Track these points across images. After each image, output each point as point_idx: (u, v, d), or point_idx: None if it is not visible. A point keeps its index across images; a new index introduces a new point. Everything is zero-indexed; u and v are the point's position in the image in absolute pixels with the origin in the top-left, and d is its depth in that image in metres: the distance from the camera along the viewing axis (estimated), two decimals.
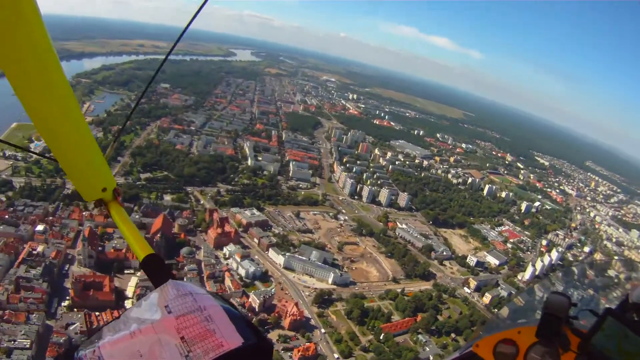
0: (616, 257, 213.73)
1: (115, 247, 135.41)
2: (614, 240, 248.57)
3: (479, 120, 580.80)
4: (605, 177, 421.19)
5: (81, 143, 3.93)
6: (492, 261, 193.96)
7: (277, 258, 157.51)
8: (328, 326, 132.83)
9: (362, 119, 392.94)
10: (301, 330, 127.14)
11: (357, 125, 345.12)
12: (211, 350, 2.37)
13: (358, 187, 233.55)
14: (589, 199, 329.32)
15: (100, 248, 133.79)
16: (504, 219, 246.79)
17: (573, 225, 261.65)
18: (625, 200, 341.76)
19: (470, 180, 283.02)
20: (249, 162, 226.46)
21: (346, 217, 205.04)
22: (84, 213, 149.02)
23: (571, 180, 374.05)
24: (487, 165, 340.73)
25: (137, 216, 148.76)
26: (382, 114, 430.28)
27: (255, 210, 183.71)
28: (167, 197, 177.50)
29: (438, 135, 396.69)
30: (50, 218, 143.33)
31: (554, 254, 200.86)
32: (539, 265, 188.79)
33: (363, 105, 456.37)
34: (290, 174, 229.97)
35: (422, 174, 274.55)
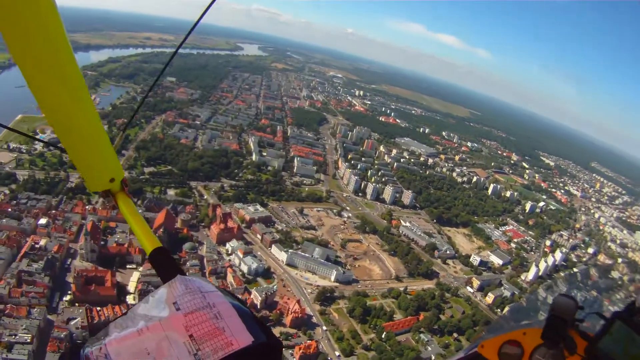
0: (620, 259, 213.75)
1: (118, 241, 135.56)
2: (618, 241, 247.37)
3: (485, 119, 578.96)
4: (610, 178, 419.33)
5: (91, 133, 3.96)
6: (496, 261, 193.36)
7: (280, 254, 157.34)
8: (330, 324, 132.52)
9: (367, 115, 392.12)
10: (303, 327, 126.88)
11: (363, 122, 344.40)
12: (220, 349, 2.32)
13: (362, 184, 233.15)
14: (593, 200, 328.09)
15: (102, 242, 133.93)
16: (508, 219, 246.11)
17: (577, 226, 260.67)
18: (630, 202, 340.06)
19: (475, 179, 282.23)
20: (254, 157, 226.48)
21: (350, 214, 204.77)
22: (87, 207, 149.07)
23: (576, 181, 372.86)
24: (492, 164, 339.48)
25: (139, 210, 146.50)
26: (388, 111, 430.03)
27: (258, 206, 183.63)
28: (171, 192, 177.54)
29: (444, 133, 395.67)
30: (53, 211, 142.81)
31: (558, 255, 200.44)
32: (542, 265, 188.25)
33: (369, 102, 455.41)
34: (295, 170, 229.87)
35: (427, 172, 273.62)
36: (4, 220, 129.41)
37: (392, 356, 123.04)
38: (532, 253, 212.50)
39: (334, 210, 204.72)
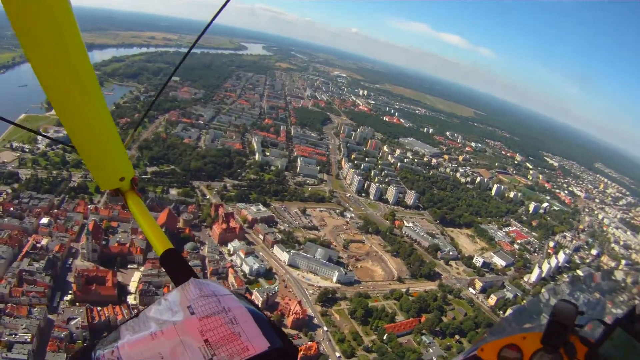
0: (624, 261, 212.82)
1: (120, 241, 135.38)
2: (621, 243, 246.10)
3: (490, 119, 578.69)
4: (614, 179, 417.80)
5: (103, 130, 3.94)
6: (499, 262, 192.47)
7: (282, 255, 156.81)
8: (331, 325, 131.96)
9: (371, 115, 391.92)
10: (304, 329, 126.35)
11: (367, 122, 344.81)
12: (236, 354, 2.27)
13: (365, 184, 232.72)
14: (597, 201, 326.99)
15: (104, 242, 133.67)
16: (511, 220, 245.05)
17: (581, 227, 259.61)
18: (634, 203, 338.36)
19: (478, 179, 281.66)
20: (257, 157, 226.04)
21: (353, 215, 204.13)
22: (89, 206, 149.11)
23: (580, 182, 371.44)
24: (496, 164, 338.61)
25: None
26: (392, 111, 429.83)
27: (261, 206, 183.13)
28: (173, 191, 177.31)
29: (447, 133, 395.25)
30: (55, 211, 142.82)
31: (561, 256, 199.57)
32: (545, 267, 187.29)
33: (373, 102, 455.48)
34: (298, 170, 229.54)
35: (431, 172, 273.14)
36: (6, 220, 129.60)
37: (393, 358, 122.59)
38: (536, 254, 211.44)
39: (337, 211, 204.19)
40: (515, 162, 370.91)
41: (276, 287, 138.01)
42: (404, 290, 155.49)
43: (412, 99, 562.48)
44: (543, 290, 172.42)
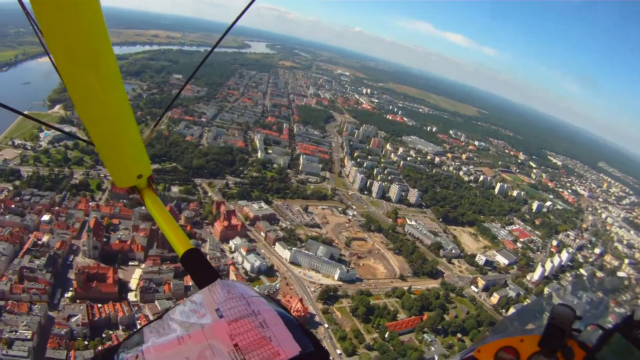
0: (627, 260, 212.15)
1: (121, 238, 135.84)
2: (625, 242, 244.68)
3: (493, 118, 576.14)
4: (618, 178, 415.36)
5: (123, 126, 3.87)
6: (502, 260, 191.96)
7: (284, 252, 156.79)
8: (332, 323, 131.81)
9: (374, 113, 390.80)
10: (305, 326, 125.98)
11: (370, 120, 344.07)
12: (267, 359, 2.19)
13: (368, 182, 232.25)
14: (600, 200, 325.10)
15: (105, 239, 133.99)
16: (514, 218, 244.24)
17: (584, 226, 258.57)
18: (638, 202, 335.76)
19: (481, 178, 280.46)
20: (259, 154, 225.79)
21: (355, 213, 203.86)
22: (90, 203, 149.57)
23: (583, 181, 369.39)
24: (500, 163, 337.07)
25: (143, 207, 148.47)
26: (395, 109, 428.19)
27: (263, 204, 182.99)
28: (175, 189, 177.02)
29: (451, 131, 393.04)
30: (57, 208, 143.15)
31: (564, 255, 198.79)
32: (548, 265, 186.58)
33: (376, 100, 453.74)
34: (300, 168, 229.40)
35: (434, 171, 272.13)
36: (7, 217, 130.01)
37: (394, 356, 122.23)
38: (538, 253, 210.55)
39: (339, 209, 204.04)
40: (519, 160, 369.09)
41: (277, 285, 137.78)
42: (406, 288, 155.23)
43: (416, 97, 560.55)
44: (546, 289, 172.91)
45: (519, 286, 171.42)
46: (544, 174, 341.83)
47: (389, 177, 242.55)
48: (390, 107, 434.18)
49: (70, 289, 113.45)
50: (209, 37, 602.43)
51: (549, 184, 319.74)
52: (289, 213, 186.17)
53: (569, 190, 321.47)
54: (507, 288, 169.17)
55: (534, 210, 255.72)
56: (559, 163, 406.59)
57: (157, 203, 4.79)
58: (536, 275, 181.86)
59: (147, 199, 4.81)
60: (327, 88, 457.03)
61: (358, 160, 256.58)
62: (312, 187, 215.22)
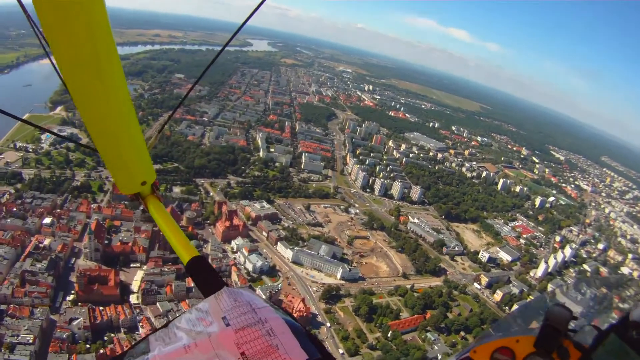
0: (630, 255, 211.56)
1: (122, 240, 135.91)
2: (628, 237, 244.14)
3: (496, 113, 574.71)
4: (621, 172, 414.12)
5: (128, 133, 3.84)
6: (505, 257, 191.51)
7: (286, 252, 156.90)
8: (335, 323, 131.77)
9: (377, 110, 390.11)
10: (307, 326, 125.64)
11: (372, 117, 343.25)
12: None
13: (370, 180, 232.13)
14: (604, 194, 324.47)
15: (106, 241, 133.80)
16: (517, 214, 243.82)
17: (587, 221, 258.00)
18: None
19: (484, 174, 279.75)
20: (261, 153, 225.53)
21: (357, 211, 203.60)
22: (92, 205, 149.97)
23: (586, 176, 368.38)
24: (502, 159, 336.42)
25: (142, 209, 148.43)
26: (398, 106, 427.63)
27: (265, 203, 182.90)
28: (176, 189, 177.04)
29: (453, 127, 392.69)
30: (58, 210, 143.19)
31: (568, 251, 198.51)
32: (552, 262, 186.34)
33: (378, 97, 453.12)
34: (302, 166, 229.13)
35: (436, 167, 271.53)
36: (9, 220, 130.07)
37: (397, 355, 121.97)
38: (542, 249, 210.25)
39: (341, 207, 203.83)
40: (522, 156, 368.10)
41: (279, 285, 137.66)
42: (408, 286, 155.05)
43: (418, 93, 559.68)
44: (549, 285, 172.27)
45: (523, 283, 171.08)
46: (547, 169, 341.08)
47: (392, 175, 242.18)
48: (393, 104, 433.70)
49: (72, 291, 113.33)
50: (211, 35, 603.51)
51: (552, 179, 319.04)
52: (291, 212, 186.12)
53: (572, 186, 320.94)
54: (511, 285, 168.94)
55: (537, 206, 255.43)
56: (562, 158, 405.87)
57: (161, 210, 4.71)
58: (539, 271, 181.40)
59: (151, 206, 4.74)
60: (329, 85, 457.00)
61: (360, 157, 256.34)
62: (314, 185, 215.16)
